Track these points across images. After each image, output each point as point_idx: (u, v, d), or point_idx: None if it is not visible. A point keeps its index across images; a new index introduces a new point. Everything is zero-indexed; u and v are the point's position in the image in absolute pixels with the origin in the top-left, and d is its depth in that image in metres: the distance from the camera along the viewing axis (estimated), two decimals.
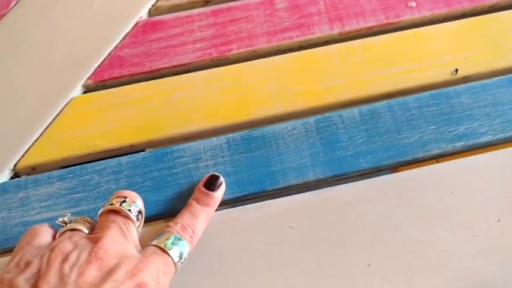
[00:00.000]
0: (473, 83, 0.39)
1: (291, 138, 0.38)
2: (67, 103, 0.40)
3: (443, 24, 0.42)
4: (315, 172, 0.37)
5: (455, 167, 0.37)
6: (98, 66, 0.42)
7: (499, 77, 0.40)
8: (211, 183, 0.35)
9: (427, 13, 0.42)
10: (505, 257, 0.34)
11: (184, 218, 0.33)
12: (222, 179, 0.35)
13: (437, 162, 0.37)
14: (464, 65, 0.40)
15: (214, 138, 0.38)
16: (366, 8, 0.43)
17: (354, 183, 0.37)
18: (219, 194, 0.35)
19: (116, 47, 0.42)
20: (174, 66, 0.41)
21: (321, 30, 0.42)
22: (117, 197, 0.32)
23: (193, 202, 0.34)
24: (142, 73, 0.41)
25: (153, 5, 0.44)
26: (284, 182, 0.37)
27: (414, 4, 0.43)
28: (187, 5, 0.44)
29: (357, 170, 0.37)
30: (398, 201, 0.36)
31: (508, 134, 0.37)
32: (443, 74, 0.40)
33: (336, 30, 0.42)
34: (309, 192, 0.37)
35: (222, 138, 0.38)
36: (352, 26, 0.42)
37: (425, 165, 0.37)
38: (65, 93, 0.41)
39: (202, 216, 0.34)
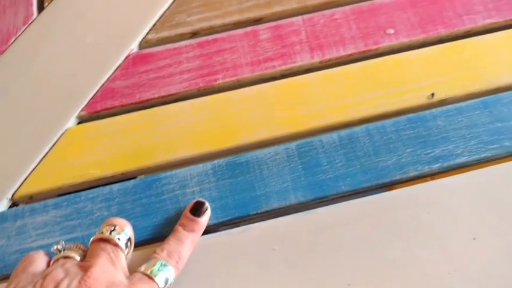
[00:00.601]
0: (449, 106, 0.41)
1: (274, 163, 0.40)
2: (62, 134, 0.42)
3: (420, 49, 0.44)
4: (297, 196, 0.38)
5: (432, 188, 0.38)
6: (91, 98, 0.44)
7: (474, 100, 0.41)
8: (197, 209, 0.37)
9: (404, 39, 0.44)
10: (481, 275, 0.35)
11: (170, 244, 0.35)
12: (207, 205, 0.37)
13: (414, 183, 0.39)
14: (441, 88, 0.42)
15: (200, 165, 0.40)
16: (345, 36, 0.45)
17: (334, 205, 0.38)
18: (205, 220, 0.37)
19: (108, 79, 0.45)
20: (163, 97, 0.43)
21: (302, 59, 0.44)
22: (107, 225, 0.34)
23: (180, 228, 0.36)
24: (133, 104, 0.43)
25: (143, 38, 0.47)
26: (267, 206, 0.38)
27: (392, 31, 0.44)
28: (175, 37, 0.46)
29: (337, 192, 0.38)
30: (376, 222, 0.37)
31: (483, 155, 0.39)
32: (420, 98, 0.42)
33: (317, 59, 0.44)
34: (291, 215, 0.38)
35: (208, 165, 0.40)
36: (332, 54, 0.44)
37: (403, 186, 0.39)
38: (60, 124, 0.43)
39: (188, 242, 0.35)
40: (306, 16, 0.46)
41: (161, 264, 0.33)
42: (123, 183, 0.40)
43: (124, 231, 0.34)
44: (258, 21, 0.47)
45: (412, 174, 0.39)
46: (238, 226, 0.38)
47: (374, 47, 0.44)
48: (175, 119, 0.42)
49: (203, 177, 0.40)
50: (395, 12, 0.45)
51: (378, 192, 0.39)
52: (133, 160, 0.41)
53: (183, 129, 0.42)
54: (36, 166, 0.41)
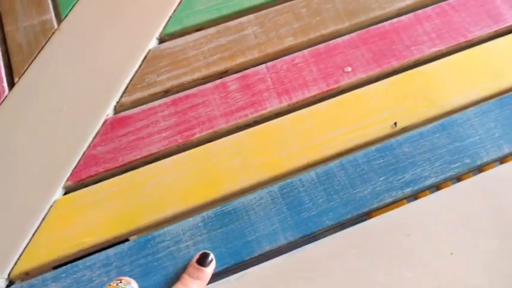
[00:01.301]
0: (412, 133, 0.45)
1: (260, 207, 0.42)
2: (51, 206, 0.43)
3: (377, 83, 0.47)
4: (286, 236, 0.41)
5: (407, 211, 0.41)
6: (75, 167, 0.45)
7: (433, 124, 0.45)
8: (203, 260, 0.39)
9: (362, 75, 0.48)
10: (462, 287, 0.38)
11: None
12: (212, 256, 0.39)
13: (391, 209, 0.42)
14: (402, 117, 0.45)
15: (190, 219, 0.42)
16: (308, 79, 0.48)
17: (321, 240, 0.41)
18: (210, 270, 0.39)
19: (88, 146, 0.46)
20: (145, 157, 0.45)
21: (271, 105, 0.47)
22: (114, 281, 0.37)
23: (186, 276, 0.38)
24: (117, 167, 0.45)
25: (117, 102, 0.48)
26: (259, 250, 0.40)
27: (350, 69, 0.48)
28: (148, 97, 0.48)
29: (322, 228, 0.41)
30: (361, 251, 0.40)
31: (448, 174, 0.42)
32: (384, 128, 0.45)
33: (285, 103, 0.47)
34: (282, 255, 0.40)
35: (198, 218, 0.42)
36: (298, 96, 0.47)
37: (380, 213, 0.42)
38: (48, 197, 0.44)
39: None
40: (269, 64, 0.49)
41: None
42: (118, 246, 0.42)
43: (130, 284, 0.36)
44: (224, 73, 0.49)
45: (387, 200, 0.42)
46: (235, 273, 0.40)
47: (335, 86, 0.47)
48: (159, 177, 0.44)
49: (195, 231, 0.41)
50: (350, 50, 0.49)
51: (359, 222, 0.42)
52: (124, 223, 0.42)
53: (169, 186, 0.44)
54: (29, 242, 0.42)
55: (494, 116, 0.45)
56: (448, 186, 0.43)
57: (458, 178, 0.43)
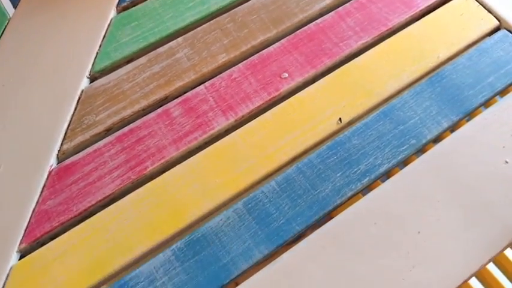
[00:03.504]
0: (357, 125, 0.46)
1: (229, 227, 0.42)
2: (8, 275, 0.41)
3: (315, 83, 0.49)
4: (260, 250, 0.41)
5: (370, 201, 0.43)
6: (27, 227, 0.42)
7: (375, 113, 0.47)
8: None
9: (299, 79, 0.49)
10: (434, 262, 0.40)
11: None
12: None
13: (353, 201, 0.43)
14: (344, 112, 0.47)
15: (160, 255, 0.41)
16: (249, 91, 0.48)
17: (295, 247, 0.41)
18: None
19: (37, 202, 0.43)
20: (100, 201, 0.43)
21: (218, 123, 0.47)
22: None
23: None
24: (72, 218, 0.43)
25: (59, 150, 0.46)
26: (237, 270, 0.40)
27: (286, 75, 0.49)
28: (91, 139, 0.47)
29: (293, 234, 0.41)
30: (335, 248, 0.41)
31: (400, 157, 0.44)
32: (330, 125, 0.46)
33: (232, 119, 0.47)
34: (261, 270, 0.40)
35: (168, 252, 0.41)
36: (244, 110, 0.47)
37: (345, 208, 0.43)
38: (2, 265, 0.41)
39: None
40: (207, 83, 0.49)
41: None
42: None
43: None
44: (164, 100, 0.49)
45: (349, 194, 0.43)
46: None
47: (277, 93, 0.48)
48: (120, 219, 0.42)
49: (167, 266, 0.40)
50: (283, 57, 0.50)
51: (327, 221, 0.43)
52: (93, 273, 0.40)
53: (132, 226, 0.42)
54: None
55: (427, 95, 0.48)
56: (402, 168, 0.45)
57: (409, 159, 0.45)
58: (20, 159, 0.46)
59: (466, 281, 0.40)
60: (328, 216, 0.43)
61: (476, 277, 0.60)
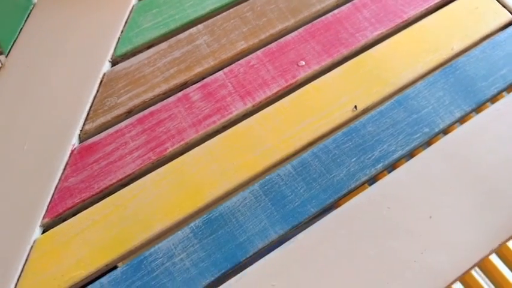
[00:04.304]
0: (372, 112, 0.47)
1: (245, 208, 0.43)
2: (31, 247, 0.42)
3: (331, 72, 0.50)
4: (276, 230, 0.42)
5: (383, 186, 0.44)
6: (50, 203, 0.44)
7: (389, 101, 0.48)
8: None
9: (316, 67, 0.50)
10: (445, 245, 0.41)
11: None
12: None
13: (368, 186, 0.44)
14: (360, 100, 0.48)
15: (179, 232, 0.42)
16: (266, 78, 0.49)
17: (309, 228, 0.42)
18: None
19: (60, 179, 0.45)
20: (121, 180, 0.45)
21: (236, 108, 0.48)
22: None
23: None
24: (94, 195, 0.44)
25: (81, 130, 0.47)
26: (253, 249, 0.41)
27: (303, 63, 0.50)
28: (112, 121, 0.48)
29: (308, 216, 0.43)
30: (349, 231, 0.42)
31: (413, 145, 0.45)
32: (346, 112, 0.47)
33: (249, 104, 0.48)
34: (276, 249, 0.41)
35: (187, 229, 0.42)
36: (261, 96, 0.48)
37: (359, 192, 0.44)
38: (26, 238, 0.42)
39: None
40: (226, 69, 0.50)
41: None
42: (111, 273, 0.41)
43: None
44: (184, 85, 0.50)
45: (363, 179, 0.44)
46: (234, 276, 0.40)
47: (293, 80, 0.49)
48: (140, 197, 0.44)
49: (186, 243, 0.42)
50: (300, 45, 0.51)
51: (341, 205, 0.44)
52: (113, 249, 0.42)
53: (151, 204, 0.43)
54: (16, 287, 0.40)
55: (441, 85, 0.49)
56: (415, 155, 0.46)
57: (422, 147, 0.46)
58: (43, 138, 0.47)
59: (475, 265, 0.41)
60: (342, 201, 0.44)
61: (479, 268, 0.61)
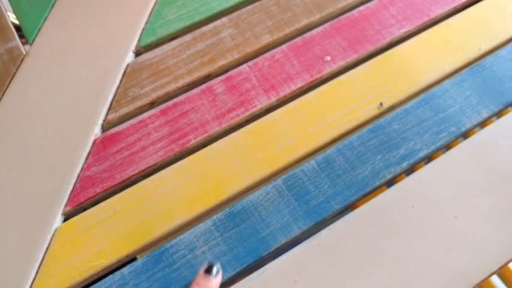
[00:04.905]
0: (398, 110, 0.47)
1: (268, 202, 0.43)
2: (52, 235, 0.42)
3: (356, 68, 0.49)
4: (299, 225, 0.41)
5: (408, 184, 0.43)
6: (71, 192, 0.44)
7: (416, 99, 0.47)
8: (209, 269, 0.39)
9: (341, 62, 0.49)
10: (470, 246, 0.40)
11: None
12: (218, 266, 0.39)
13: (394, 183, 0.44)
14: (386, 97, 0.47)
15: (201, 224, 0.42)
16: (291, 72, 0.49)
17: (333, 224, 0.42)
18: (218, 280, 0.38)
19: (82, 168, 0.45)
20: (143, 170, 0.45)
21: (260, 102, 0.47)
22: None
23: (195, 286, 0.38)
24: (115, 185, 0.44)
25: (104, 120, 0.47)
26: (276, 244, 0.41)
27: (329, 58, 0.50)
28: (135, 111, 0.48)
29: (332, 212, 0.42)
30: (373, 229, 0.41)
31: (439, 144, 0.45)
32: (371, 109, 0.47)
33: (273, 98, 0.48)
34: (299, 245, 0.41)
35: (209, 222, 0.42)
36: (285, 90, 0.48)
37: (383, 190, 0.43)
38: (48, 226, 0.42)
39: None
40: (250, 63, 0.50)
41: None
42: (132, 264, 0.41)
43: None
44: (208, 77, 0.49)
45: (388, 177, 0.43)
46: (255, 270, 0.40)
47: (319, 76, 0.49)
48: (162, 188, 0.43)
49: (208, 235, 0.41)
50: (326, 40, 0.51)
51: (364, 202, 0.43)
52: (134, 239, 0.41)
53: (173, 195, 0.43)
54: (36, 275, 0.40)
55: (468, 84, 0.48)
56: (440, 155, 0.45)
57: (448, 146, 0.46)
58: (66, 127, 0.47)
59: (501, 268, 0.40)
60: (366, 198, 0.43)
61: (498, 275, 0.60)
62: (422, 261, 0.40)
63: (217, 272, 0.38)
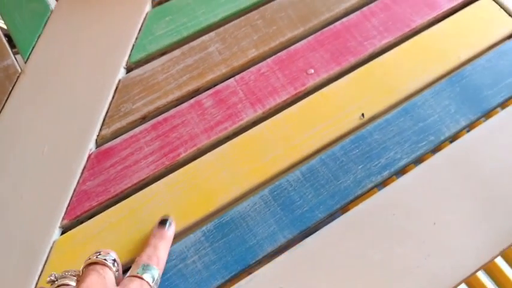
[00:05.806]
0: (379, 120, 0.49)
1: (255, 212, 0.45)
2: (51, 248, 0.44)
3: (339, 80, 0.51)
4: (284, 234, 0.44)
5: (389, 193, 0.45)
6: (68, 205, 0.46)
7: (396, 109, 0.49)
8: (162, 222, 0.43)
9: (324, 75, 0.51)
10: (448, 252, 0.42)
11: (147, 251, 0.40)
12: (171, 219, 0.44)
13: (373, 193, 0.46)
14: (367, 108, 0.49)
15: (191, 235, 0.44)
16: (276, 86, 0.51)
17: (317, 232, 0.44)
18: (170, 232, 0.43)
19: (78, 182, 0.47)
20: (135, 184, 0.47)
21: (247, 115, 0.49)
22: (93, 253, 0.38)
23: (152, 237, 0.42)
24: (110, 199, 0.46)
25: (97, 135, 0.49)
26: (262, 252, 0.43)
27: (312, 71, 0.52)
28: (127, 126, 0.50)
29: (316, 221, 0.44)
30: (355, 235, 0.43)
31: (418, 153, 0.47)
32: (353, 120, 0.49)
33: (259, 111, 0.50)
34: (285, 252, 0.43)
35: (198, 233, 0.44)
36: (271, 103, 0.50)
37: (365, 199, 0.45)
38: (46, 239, 0.44)
39: (161, 246, 0.41)
40: (237, 77, 0.52)
41: (143, 266, 0.39)
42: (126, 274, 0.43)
43: (109, 254, 0.38)
44: (196, 91, 0.51)
45: (369, 186, 0.46)
46: (244, 278, 0.42)
47: (303, 88, 0.51)
48: (154, 201, 0.46)
49: (198, 245, 0.43)
50: (310, 53, 0.53)
51: (349, 209, 0.45)
52: (129, 250, 0.44)
53: (165, 208, 0.45)
54: (36, 286, 0.42)
55: (447, 94, 0.50)
56: (421, 162, 0.47)
57: (426, 155, 0.48)
58: (62, 143, 0.49)
59: (477, 271, 0.42)
60: (349, 207, 0.45)
61: (485, 271, 0.62)
62: (402, 267, 0.42)
63: (170, 225, 0.43)
